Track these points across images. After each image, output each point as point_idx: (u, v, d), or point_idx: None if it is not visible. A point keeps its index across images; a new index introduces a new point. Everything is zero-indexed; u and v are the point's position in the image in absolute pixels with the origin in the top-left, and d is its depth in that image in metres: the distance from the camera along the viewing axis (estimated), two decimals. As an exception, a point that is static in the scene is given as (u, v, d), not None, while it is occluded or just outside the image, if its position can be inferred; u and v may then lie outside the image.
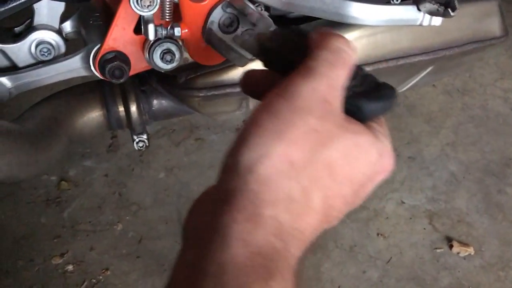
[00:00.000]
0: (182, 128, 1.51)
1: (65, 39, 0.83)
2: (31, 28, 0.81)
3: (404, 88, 1.01)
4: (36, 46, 0.81)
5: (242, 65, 0.69)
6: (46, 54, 0.81)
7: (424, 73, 0.96)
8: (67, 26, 0.86)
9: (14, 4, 0.59)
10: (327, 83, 0.41)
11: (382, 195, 1.33)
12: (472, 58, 1.01)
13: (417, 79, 0.98)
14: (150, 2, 0.62)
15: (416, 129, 1.52)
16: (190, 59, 0.79)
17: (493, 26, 0.90)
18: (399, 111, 1.56)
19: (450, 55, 0.92)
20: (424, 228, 1.28)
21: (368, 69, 0.87)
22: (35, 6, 0.79)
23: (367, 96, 0.44)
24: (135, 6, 0.63)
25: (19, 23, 0.83)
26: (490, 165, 1.42)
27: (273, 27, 0.66)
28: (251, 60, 0.68)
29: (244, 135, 0.40)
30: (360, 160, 0.42)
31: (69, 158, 1.40)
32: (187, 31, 0.67)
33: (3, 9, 0.59)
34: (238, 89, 0.83)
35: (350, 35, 0.83)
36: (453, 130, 1.52)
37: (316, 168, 0.40)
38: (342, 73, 0.42)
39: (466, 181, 1.38)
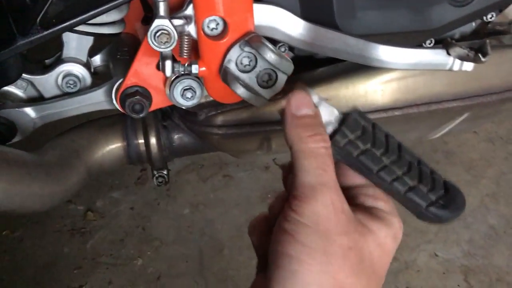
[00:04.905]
0: (212, 164, 1.50)
1: (93, 72, 0.84)
2: (59, 61, 0.82)
3: (438, 135, 0.96)
4: (63, 78, 0.82)
5: (260, 105, 0.67)
6: (72, 86, 0.82)
7: (459, 120, 0.91)
8: (97, 60, 0.87)
9: (33, 38, 0.60)
10: (330, 195, 0.42)
11: (414, 246, 1.26)
12: (514, 106, 0.95)
13: (452, 125, 0.93)
14: (167, 38, 0.62)
15: (454, 177, 1.44)
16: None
17: (536, 73, 0.85)
18: (437, 157, 1.49)
19: (488, 102, 0.87)
20: (458, 285, 1.19)
21: (397, 113, 0.83)
22: (65, 39, 0.81)
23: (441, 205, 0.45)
24: (152, 43, 0.62)
25: (50, 56, 0.85)
26: (534, 220, 1.33)
27: (292, 67, 0.64)
28: (269, 100, 0.66)
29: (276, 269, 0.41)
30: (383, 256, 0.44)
31: (98, 188, 1.41)
32: (205, 69, 0.66)
33: (22, 42, 0.60)
34: (259, 128, 0.81)
35: (380, 78, 0.80)
36: (495, 181, 1.43)
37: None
38: (331, 172, 0.43)
39: (507, 236, 1.29)
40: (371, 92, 0.81)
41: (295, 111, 0.46)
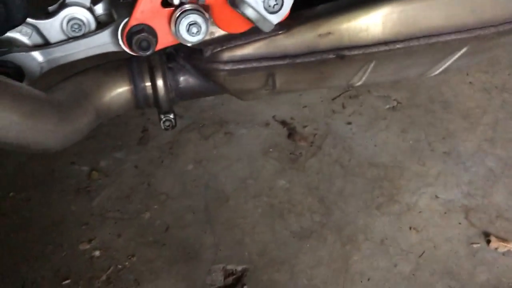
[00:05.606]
0: (212, 123, 1.51)
1: (97, 20, 0.85)
2: (63, 5, 0.83)
3: (438, 71, 0.98)
4: (67, 22, 0.83)
5: (267, 30, 0.68)
6: (76, 30, 0.83)
7: (458, 54, 0.93)
8: (99, 8, 0.87)
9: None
10: None
11: (415, 189, 1.29)
12: (511, 41, 0.97)
13: (451, 61, 0.94)
14: (174, -37, 0.63)
15: (452, 125, 1.47)
16: (217, 34, 0.79)
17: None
18: (434, 107, 1.52)
19: (486, 35, 0.89)
20: (460, 223, 1.22)
21: (398, 46, 0.85)
22: (67, -17, 0.82)
23: None
24: (160, -32, 0.63)
25: (53, 3, 0.85)
26: (531, 161, 1.36)
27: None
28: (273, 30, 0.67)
29: None
30: None
31: (100, 150, 1.43)
32: (212, -5, 0.67)
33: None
34: (264, 63, 0.82)
35: (380, 11, 0.82)
36: (492, 126, 1.46)
37: None
38: None
39: (505, 177, 1.32)
40: (373, 25, 0.82)
41: None
